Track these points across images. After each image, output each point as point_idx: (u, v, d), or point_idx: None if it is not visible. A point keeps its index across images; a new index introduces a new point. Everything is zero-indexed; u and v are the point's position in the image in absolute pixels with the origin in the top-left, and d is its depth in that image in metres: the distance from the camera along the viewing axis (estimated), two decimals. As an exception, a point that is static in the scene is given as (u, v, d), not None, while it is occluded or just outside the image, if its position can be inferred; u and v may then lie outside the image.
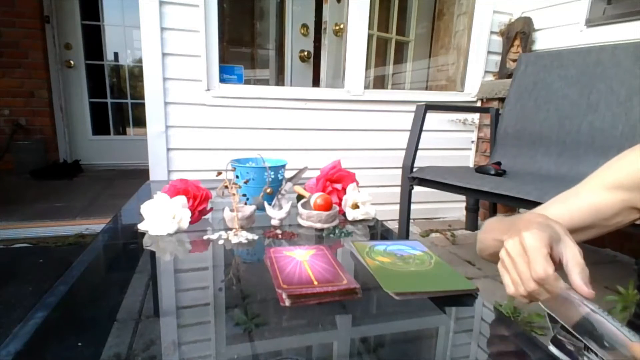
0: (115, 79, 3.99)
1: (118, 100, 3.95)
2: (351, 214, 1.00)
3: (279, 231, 0.88)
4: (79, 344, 0.47)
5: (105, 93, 3.83)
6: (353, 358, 0.50)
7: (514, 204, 1.39)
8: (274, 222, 0.93)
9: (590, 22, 2.04)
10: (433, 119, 2.27)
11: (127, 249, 0.85)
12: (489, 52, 2.43)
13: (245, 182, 1.00)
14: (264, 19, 2.99)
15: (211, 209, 0.98)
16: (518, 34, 2.27)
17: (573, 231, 0.53)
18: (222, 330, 0.52)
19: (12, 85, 3.36)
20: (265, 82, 3.02)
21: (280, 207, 0.95)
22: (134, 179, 2.68)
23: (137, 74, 3.90)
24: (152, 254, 0.78)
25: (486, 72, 2.45)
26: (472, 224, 2.36)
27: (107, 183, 3.18)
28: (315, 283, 0.60)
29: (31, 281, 1.59)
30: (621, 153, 0.56)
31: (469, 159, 2.54)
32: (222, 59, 2.07)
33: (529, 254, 0.45)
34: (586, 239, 0.58)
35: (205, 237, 0.84)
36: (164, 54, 1.90)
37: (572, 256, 0.47)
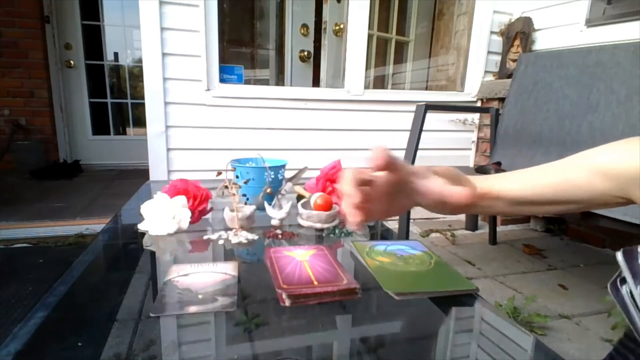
0: (115, 79, 3.99)
1: (118, 100, 3.95)
2: (351, 214, 0.99)
3: (279, 231, 0.88)
4: (79, 344, 0.47)
5: (105, 93, 3.83)
6: (353, 358, 0.50)
7: (514, 204, 1.39)
8: (274, 222, 0.93)
9: (590, 22, 2.04)
10: (433, 119, 2.28)
11: (127, 249, 0.85)
12: (489, 52, 2.43)
13: (245, 182, 1.00)
14: (264, 19, 2.99)
15: (211, 209, 0.97)
16: (518, 34, 2.27)
17: (545, 203, 0.52)
18: (222, 330, 0.52)
19: (12, 85, 3.36)
20: (265, 82, 3.02)
21: (280, 207, 0.95)
22: (134, 179, 2.69)
23: (137, 74, 3.90)
24: (152, 254, 0.78)
25: (486, 72, 2.45)
26: (472, 224, 2.36)
27: (107, 183, 3.18)
28: (315, 283, 0.60)
29: (31, 281, 1.59)
30: (619, 140, 0.50)
31: (469, 159, 2.54)
32: (222, 59, 2.07)
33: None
34: (561, 212, 0.55)
35: (205, 237, 0.84)
36: (164, 54, 1.90)
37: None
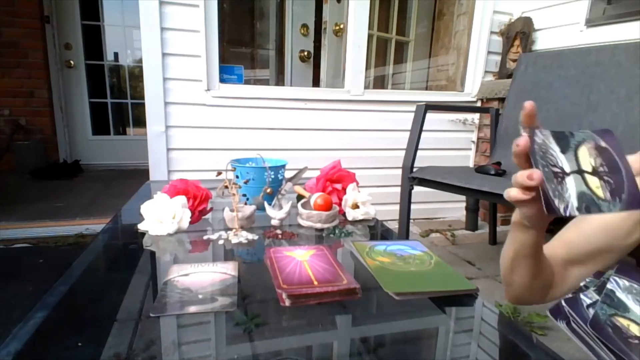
0: (115, 79, 3.99)
1: (118, 100, 3.94)
2: (351, 214, 1.00)
3: (279, 231, 0.88)
4: (79, 344, 0.47)
5: (105, 93, 3.83)
6: (353, 358, 0.50)
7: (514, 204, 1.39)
8: (274, 222, 0.93)
9: (590, 22, 2.04)
10: (433, 119, 2.27)
11: (127, 249, 0.85)
12: (489, 52, 2.43)
13: (245, 182, 1.00)
14: (264, 19, 2.99)
15: (211, 209, 0.98)
16: (518, 34, 2.27)
17: (591, 257, 0.55)
18: (222, 330, 0.52)
19: (12, 85, 3.36)
20: (265, 82, 3.02)
21: (280, 207, 0.95)
22: (134, 179, 2.68)
23: (137, 74, 3.90)
24: (152, 254, 0.78)
25: (486, 72, 2.45)
26: (472, 224, 2.36)
27: (107, 183, 3.18)
28: (315, 283, 0.60)
29: (31, 281, 1.59)
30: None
31: (469, 159, 2.54)
32: (222, 59, 2.07)
33: None
34: (605, 267, 0.56)
35: (205, 237, 0.84)
36: (164, 54, 1.90)
37: None
